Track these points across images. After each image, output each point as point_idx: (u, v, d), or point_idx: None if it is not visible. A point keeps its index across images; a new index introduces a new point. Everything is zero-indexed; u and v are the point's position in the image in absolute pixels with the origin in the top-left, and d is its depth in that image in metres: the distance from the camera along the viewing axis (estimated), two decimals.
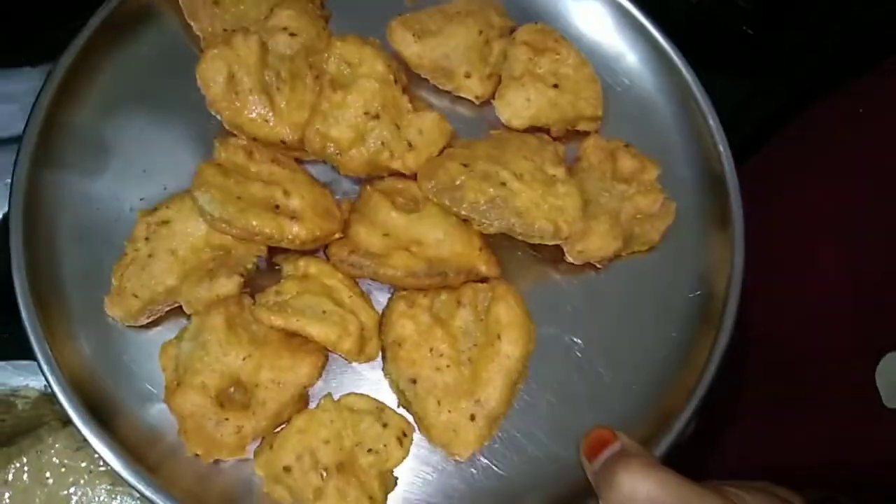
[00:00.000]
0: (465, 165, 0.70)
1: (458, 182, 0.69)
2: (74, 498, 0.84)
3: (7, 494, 0.85)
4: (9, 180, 0.70)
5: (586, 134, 0.79)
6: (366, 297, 0.68)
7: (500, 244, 0.72)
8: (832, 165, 0.84)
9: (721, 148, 0.79)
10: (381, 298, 0.71)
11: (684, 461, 0.63)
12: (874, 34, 0.95)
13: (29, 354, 0.65)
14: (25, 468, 0.85)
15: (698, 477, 0.57)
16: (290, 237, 0.64)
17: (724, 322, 0.72)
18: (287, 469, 0.61)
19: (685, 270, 0.76)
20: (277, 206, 0.66)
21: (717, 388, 0.70)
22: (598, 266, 0.74)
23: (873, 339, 0.72)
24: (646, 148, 0.78)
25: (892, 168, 0.76)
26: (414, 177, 0.72)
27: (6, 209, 0.68)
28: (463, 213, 0.69)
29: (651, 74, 0.83)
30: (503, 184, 0.69)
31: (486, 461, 0.67)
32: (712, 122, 0.80)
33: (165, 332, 0.67)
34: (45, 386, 0.78)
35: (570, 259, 0.72)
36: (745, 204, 0.76)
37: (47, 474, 0.85)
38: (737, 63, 1.05)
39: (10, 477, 0.84)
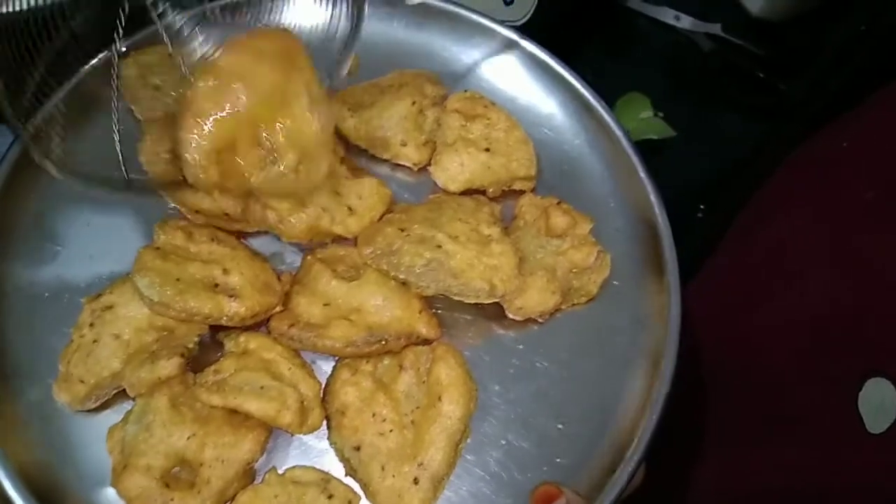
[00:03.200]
0: (402, 230, 0.73)
1: (395, 247, 0.71)
2: None
3: None
4: None
5: (523, 193, 0.82)
6: (307, 367, 0.69)
7: (442, 304, 0.74)
8: (819, 196, 0.87)
9: (652, 198, 0.81)
10: (325, 367, 0.72)
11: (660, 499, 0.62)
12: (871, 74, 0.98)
13: None
14: None
15: None
16: (229, 315, 0.66)
17: (663, 369, 0.73)
18: None
19: (624, 319, 0.78)
20: (217, 285, 0.68)
21: (663, 435, 0.72)
22: (540, 320, 0.75)
23: (855, 364, 0.73)
24: (581, 201, 0.81)
25: (872, 201, 0.78)
26: (355, 242, 0.74)
27: None
28: (401, 276, 0.71)
29: (582, 130, 0.87)
30: (439, 246, 0.71)
31: None
32: (642, 173, 0.83)
33: (113, 415, 0.68)
34: None
35: (510, 315, 0.74)
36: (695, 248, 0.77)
37: None
38: (750, 107, 1.07)
39: None
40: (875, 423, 0.70)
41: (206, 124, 0.63)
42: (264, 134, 0.65)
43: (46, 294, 0.73)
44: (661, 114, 1.13)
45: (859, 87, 0.89)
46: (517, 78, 0.89)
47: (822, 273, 0.81)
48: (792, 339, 0.83)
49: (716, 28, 1.07)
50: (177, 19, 0.69)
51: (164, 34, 0.69)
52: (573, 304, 0.76)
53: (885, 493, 0.68)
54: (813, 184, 0.89)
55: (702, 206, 0.77)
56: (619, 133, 0.85)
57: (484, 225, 0.73)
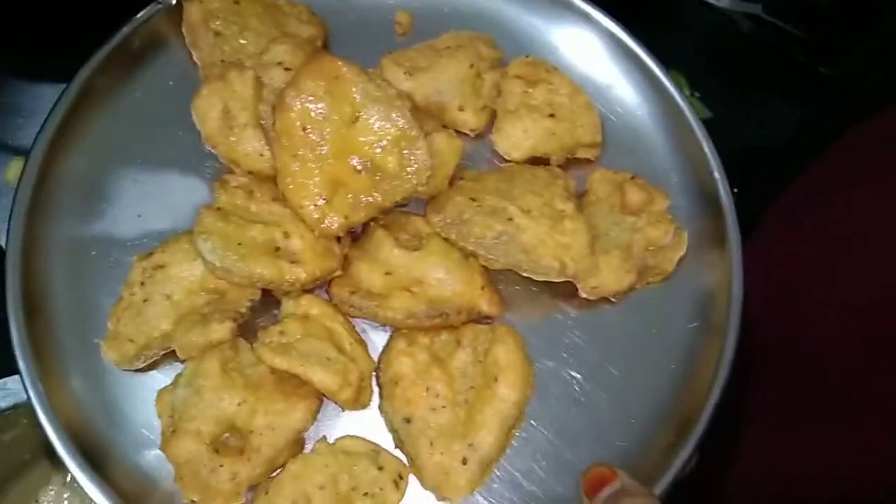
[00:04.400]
0: (473, 200, 0.70)
1: (465, 216, 0.69)
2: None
3: (66, 495, 0.87)
4: None
5: (587, 161, 0.79)
6: (364, 343, 0.68)
7: (503, 277, 0.72)
8: (880, 178, 0.83)
9: (716, 174, 0.78)
10: (374, 337, 0.70)
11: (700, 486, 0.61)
12: None
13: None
14: None
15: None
16: (290, 281, 0.64)
17: (723, 354, 0.71)
18: None
19: (687, 298, 0.75)
20: (278, 249, 0.66)
21: (719, 422, 0.70)
22: (612, 300, 0.73)
23: None
24: (642, 175, 0.78)
25: None
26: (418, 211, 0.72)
27: None
28: (469, 248, 0.69)
29: (644, 102, 0.83)
30: (510, 219, 0.69)
31: (483, 500, 0.66)
32: (707, 147, 0.79)
33: (161, 376, 0.67)
34: None
35: (583, 295, 0.72)
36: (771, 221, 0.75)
37: None
38: (789, 89, 1.05)
39: (69, 478, 0.86)
40: None
41: (311, 179, 0.66)
42: (354, 159, 0.66)
43: (94, 252, 0.72)
44: (697, 94, 1.10)
45: None
46: (575, 44, 0.85)
47: (882, 255, 0.78)
48: (848, 321, 0.80)
49: (756, 8, 1.04)
50: None
51: None
52: (647, 283, 0.74)
53: None
54: (873, 165, 0.86)
55: (734, 190, 0.75)
56: (683, 106, 0.81)
57: (558, 199, 0.70)
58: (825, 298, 0.84)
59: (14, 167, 0.90)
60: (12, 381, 0.75)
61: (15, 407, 0.75)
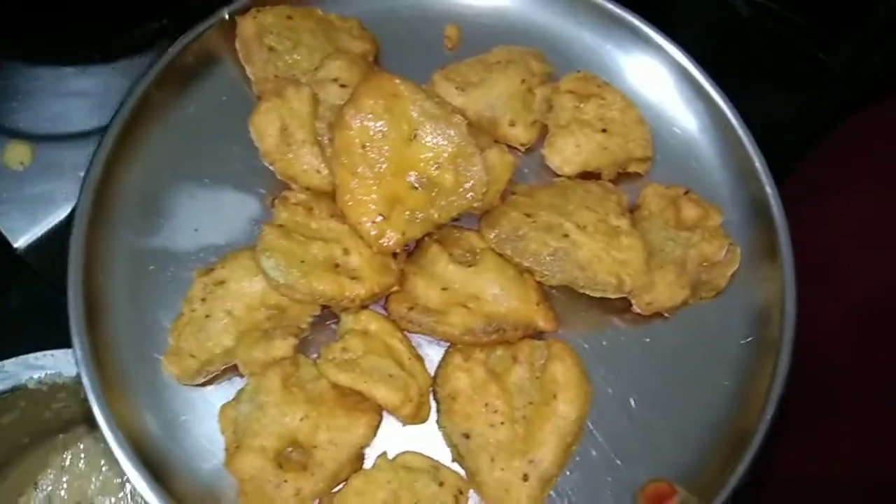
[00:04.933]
0: (528, 215, 0.70)
1: (520, 232, 0.69)
2: (129, 486, 0.85)
3: (65, 479, 0.86)
4: (82, 173, 0.72)
5: (637, 176, 0.79)
6: (421, 359, 0.68)
7: (558, 292, 0.73)
8: (872, 174, 0.84)
9: (768, 189, 0.78)
10: (429, 351, 0.71)
11: None
12: None
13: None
14: (82, 455, 0.86)
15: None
16: (350, 297, 0.65)
17: (777, 370, 0.71)
18: None
19: (737, 316, 0.75)
20: (338, 265, 0.66)
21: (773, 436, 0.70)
22: (666, 315, 0.73)
23: None
24: (693, 190, 0.78)
25: None
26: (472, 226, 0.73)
27: (75, 203, 0.71)
28: (526, 264, 0.69)
29: (693, 116, 0.83)
30: (566, 235, 0.69)
31: None
32: (758, 162, 0.79)
33: (220, 391, 0.68)
34: None
35: (637, 310, 0.72)
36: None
37: (102, 462, 0.86)
38: (788, 76, 1.04)
39: (68, 462, 0.86)
40: None
41: (370, 196, 0.67)
42: (411, 176, 0.67)
43: (152, 267, 0.73)
44: None
45: None
46: (625, 59, 0.85)
47: (878, 253, 0.77)
48: (843, 322, 0.81)
49: None
50: None
51: None
52: (700, 298, 0.74)
53: None
54: (864, 162, 0.86)
55: None
56: (733, 120, 0.81)
57: (612, 215, 0.71)
58: (815, 302, 0.84)
59: (11, 150, 0.88)
60: (10, 364, 0.75)
61: (13, 390, 0.75)
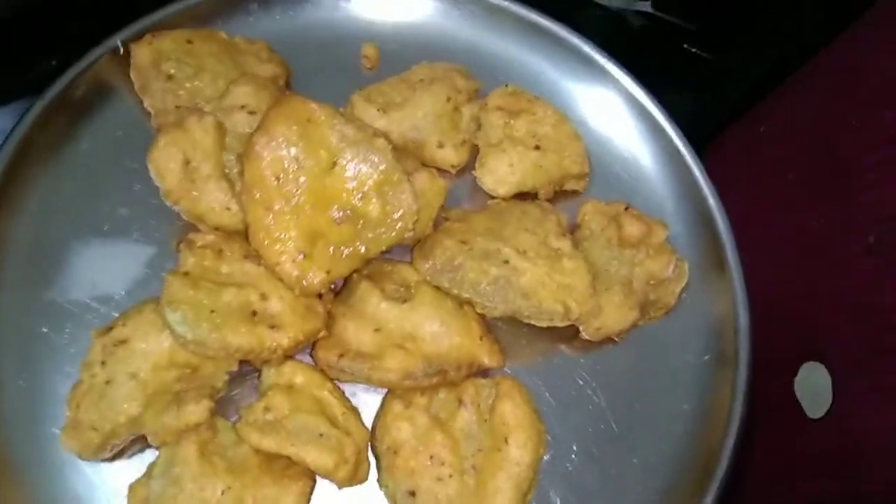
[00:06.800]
0: (463, 242, 0.65)
1: (457, 262, 0.64)
2: None
3: None
4: None
5: (574, 193, 0.75)
6: (356, 411, 0.62)
7: (498, 326, 0.67)
8: (746, 180, 0.84)
9: (711, 201, 0.75)
10: (365, 398, 0.64)
11: None
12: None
13: None
14: None
15: None
16: (271, 349, 0.58)
17: (737, 387, 0.68)
18: None
19: (689, 334, 0.72)
20: (255, 313, 0.59)
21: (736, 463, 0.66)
22: (616, 339, 0.69)
23: (792, 348, 0.70)
24: (634, 205, 0.74)
25: (795, 182, 0.76)
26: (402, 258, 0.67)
27: None
28: (465, 295, 0.64)
29: (629, 128, 0.79)
30: (506, 262, 0.64)
31: None
32: (699, 173, 0.76)
33: (128, 467, 0.60)
34: None
35: (585, 336, 0.67)
36: None
37: None
38: (680, 80, 1.03)
39: None
40: (813, 408, 0.67)
41: (288, 232, 0.61)
42: (333, 208, 0.62)
43: (44, 328, 0.64)
44: None
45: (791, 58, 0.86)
46: (552, 71, 0.81)
47: (757, 255, 0.76)
48: None
49: (646, 6, 1.04)
50: None
51: None
52: (650, 318, 0.70)
53: (829, 477, 0.65)
54: (739, 166, 0.86)
55: None
56: (670, 130, 0.78)
57: (552, 237, 0.66)
58: None
59: None
60: None
61: None
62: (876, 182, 0.65)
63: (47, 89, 0.71)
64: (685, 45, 1.00)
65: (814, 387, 0.67)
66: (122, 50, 0.73)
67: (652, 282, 0.69)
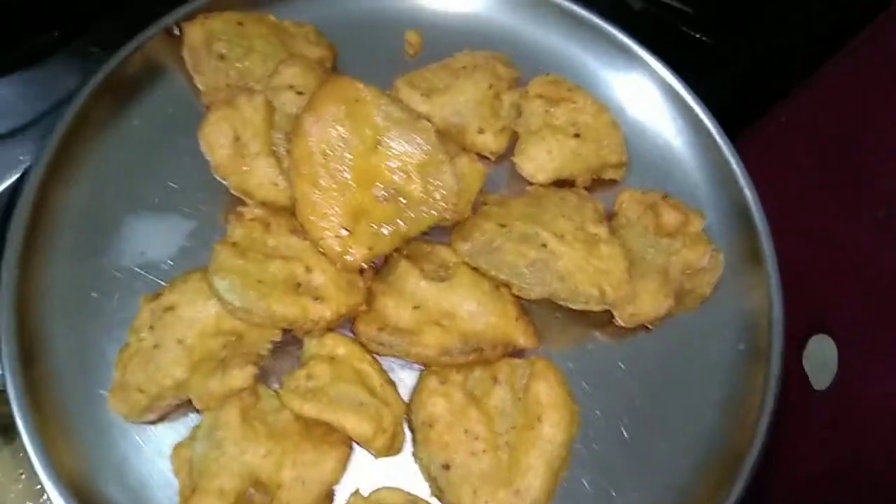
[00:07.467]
0: (502, 226, 0.66)
1: (495, 244, 0.65)
2: None
3: None
4: None
5: (612, 182, 0.76)
6: (394, 385, 0.63)
7: (537, 306, 0.68)
8: (761, 167, 0.82)
9: (747, 191, 0.75)
10: (402, 375, 0.66)
11: None
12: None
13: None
14: None
15: None
16: (314, 319, 0.60)
17: (769, 378, 0.68)
18: None
19: (727, 321, 0.72)
20: (299, 285, 0.61)
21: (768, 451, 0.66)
22: (650, 327, 0.69)
23: (803, 321, 0.71)
24: (670, 194, 0.74)
25: (810, 168, 0.77)
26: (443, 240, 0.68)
27: None
28: (502, 277, 0.65)
29: (667, 118, 0.80)
30: (543, 245, 0.65)
31: None
32: (735, 164, 0.77)
33: (173, 429, 0.62)
34: None
35: (619, 322, 0.68)
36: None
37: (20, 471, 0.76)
38: (679, 62, 1.04)
39: None
40: (819, 380, 0.68)
41: (332, 209, 0.62)
42: (377, 186, 0.62)
43: (95, 293, 0.66)
44: None
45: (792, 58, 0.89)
46: (592, 61, 0.82)
47: (777, 232, 0.76)
48: None
49: None
50: None
51: None
52: (684, 308, 0.70)
53: (830, 450, 0.66)
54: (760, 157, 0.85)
55: None
56: (707, 121, 0.78)
57: (590, 223, 0.67)
58: None
59: None
60: None
61: None
62: (889, 159, 0.66)
63: (101, 66, 0.72)
64: (685, 29, 1.01)
65: (821, 359, 0.69)
66: (175, 30, 0.75)
67: (688, 271, 0.70)
